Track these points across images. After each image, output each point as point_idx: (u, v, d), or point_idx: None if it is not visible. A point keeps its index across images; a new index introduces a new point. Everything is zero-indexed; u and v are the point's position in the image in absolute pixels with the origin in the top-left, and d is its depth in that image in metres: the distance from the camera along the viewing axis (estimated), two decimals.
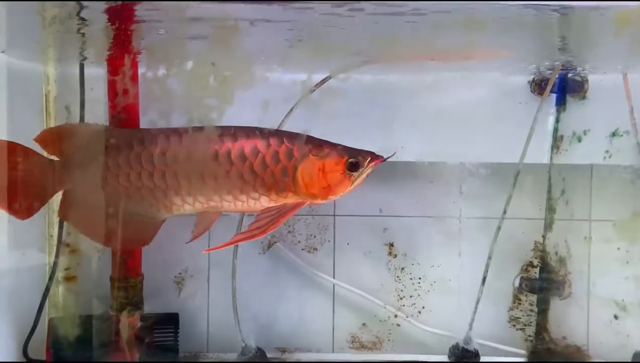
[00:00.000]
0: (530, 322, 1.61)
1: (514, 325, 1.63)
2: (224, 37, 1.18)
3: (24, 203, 1.26)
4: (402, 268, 1.65)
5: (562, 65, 1.48)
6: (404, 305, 1.65)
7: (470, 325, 1.57)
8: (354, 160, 1.27)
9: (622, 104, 1.49)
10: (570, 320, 1.60)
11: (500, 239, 1.56)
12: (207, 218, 1.31)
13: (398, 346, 1.65)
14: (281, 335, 1.67)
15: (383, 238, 1.65)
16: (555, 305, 1.60)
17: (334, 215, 1.67)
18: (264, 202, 1.29)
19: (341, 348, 1.66)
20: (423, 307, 1.65)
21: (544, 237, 1.58)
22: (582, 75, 1.54)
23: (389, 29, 1.16)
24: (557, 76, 1.53)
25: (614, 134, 1.54)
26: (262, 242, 1.66)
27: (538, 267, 1.60)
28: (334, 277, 1.66)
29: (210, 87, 1.25)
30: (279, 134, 1.31)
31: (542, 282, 1.59)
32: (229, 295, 1.57)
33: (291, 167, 1.27)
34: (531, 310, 1.62)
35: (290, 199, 1.28)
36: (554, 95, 1.56)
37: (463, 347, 1.57)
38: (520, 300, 1.63)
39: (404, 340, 1.65)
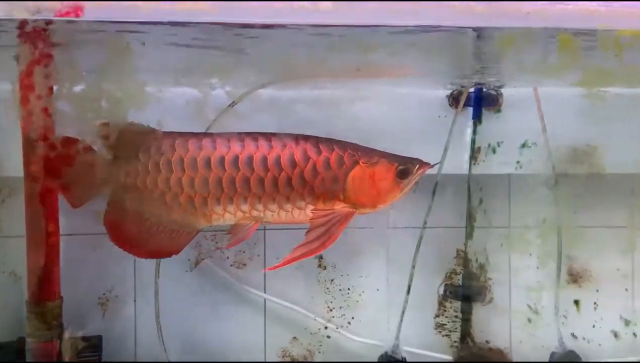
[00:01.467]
0: (456, 328, 1.63)
1: (440, 332, 1.64)
2: (116, 58, 1.11)
3: (76, 193, 1.21)
4: (332, 280, 1.63)
5: (476, 82, 1.53)
6: (334, 317, 1.63)
7: (397, 333, 1.56)
8: (404, 167, 1.22)
9: (533, 116, 1.54)
10: (493, 324, 1.63)
11: (425, 248, 1.57)
12: (244, 228, 1.22)
13: (329, 357, 1.63)
14: (211, 352, 1.61)
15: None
16: (478, 311, 1.62)
17: (264, 229, 1.63)
18: (309, 213, 1.22)
19: None
20: (352, 318, 1.63)
21: (465, 244, 1.60)
22: (497, 89, 1.59)
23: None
24: (472, 90, 1.57)
25: (523, 145, 1.58)
26: (189, 260, 1.60)
27: (461, 275, 1.62)
28: (264, 292, 1.62)
29: (101, 109, 1.18)
30: (327, 140, 1.24)
31: (464, 289, 1.61)
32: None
33: (342, 174, 1.21)
34: (456, 317, 1.63)
35: (337, 208, 1.22)
36: (471, 109, 1.59)
37: (391, 356, 1.56)
38: (445, 307, 1.64)
39: (334, 351, 1.63)
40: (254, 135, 1.22)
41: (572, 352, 1.55)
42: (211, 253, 1.60)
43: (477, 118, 1.58)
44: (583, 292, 1.62)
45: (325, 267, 1.63)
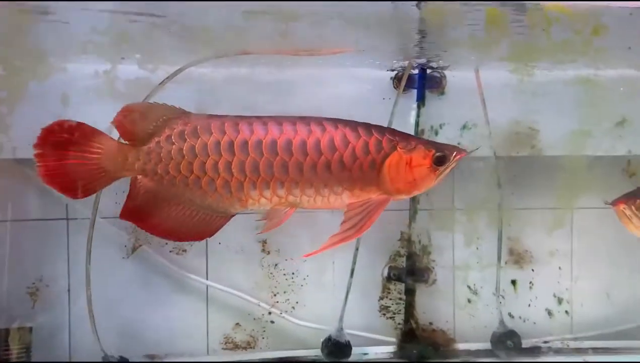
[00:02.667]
0: (400, 310, 1.61)
1: (384, 314, 1.62)
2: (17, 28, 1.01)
3: (80, 183, 1.12)
4: (276, 265, 1.58)
5: (418, 63, 1.49)
6: (278, 302, 1.58)
7: (341, 316, 1.53)
8: (442, 154, 1.18)
9: (476, 98, 1.52)
10: (436, 306, 1.61)
11: (370, 231, 1.50)
12: (280, 213, 1.17)
13: (273, 343, 1.58)
14: (151, 341, 1.54)
15: (256, 236, 1.56)
16: (422, 293, 1.60)
17: None
18: (345, 199, 1.17)
19: (214, 351, 1.56)
20: (297, 302, 1.59)
21: (409, 226, 1.58)
22: (440, 72, 1.56)
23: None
24: (416, 73, 1.54)
25: (464, 127, 1.56)
26: (125, 246, 1.51)
27: (405, 257, 1.60)
28: (206, 278, 1.55)
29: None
30: (366, 125, 1.19)
31: (408, 270, 1.58)
32: (93, 303, 1.41)
33: (380, 159, 1.16)
34: (400, 299, 1.61)
35: (373, 195, 1.17)
36: (416, 91, 1.55)
37: (335, 339, 1.52)
38: (389, 289, 1.61)
39: (278, 336, 1.58)
40: (292, 119, 1.17)
41: (512, 332, 1.55)
42: (149, 239, 1.51)
43: (420, 100, 1.55)
44: (520, 272, 1.63)
45: (269, 251, 1.58)
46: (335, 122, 1.18)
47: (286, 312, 1.57)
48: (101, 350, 1.41)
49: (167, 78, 1.30)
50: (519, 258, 1.62)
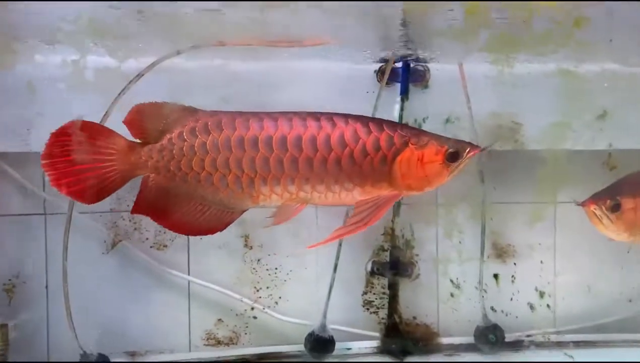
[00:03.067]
0: (383, 305, 1.59)
1: (368, 309, 1.60)
2: None
3: (93, 188, 1.10)
4: (259, 260, 1.56)
5: (401, 56, 1.47)
6: (260, 297, 1.56)
7: (325, 311, 1.51)
8: (454, 150, 1.15)
9: (458, 92, 1.50)
10: (420, 300, 1.60)
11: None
12: (290, 208, 1.15)
13: (256, 339, 1.56)
14: (131, 338, 1.51)
15: (238, 231, 1.54)
16: (405, 287, 1.59)
17: None
18: (357, 195, 1.15)
19: (196, 347, 1.53)
20: (280, 298, 1.57)
21: (392, 221, 1.56)
22: (424, 65, 1.54)
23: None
24: (400, 66, 1.52)
25: (447, 121, 1.55)
26: (105, 241, 1.48)
27: (388, 251, 1.58)
28: (188, 274, 1.52)
29: None
30: (377, 120, 1.17)
31: (391, 265, 1.57)
32: (72, 300, 1.37)
33: (391, 155, 1.14)
34: (383, 293, 1.59)
35: (384, 191, 1.15)
36: (399, 85, 1.53)
37: (318, 335, 1.50)
38: (373, 284, 1.60)
39: (261, 332, 1.56)
40: (302, 115, 1.15)
41: (495, 326, 1.54)
42: (129, 234, 1.48)
43: (404, 94, 1.53)
44: (502, 266, 1.62)
45: (251, 246, 1.55)
46: (346, 117, 1.17)
47: (269, 307, 1.55)
48: (79, 347, 1.38)
49: (146, 69, 1.27)
50: (501, 252, 1.61)
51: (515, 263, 1.62)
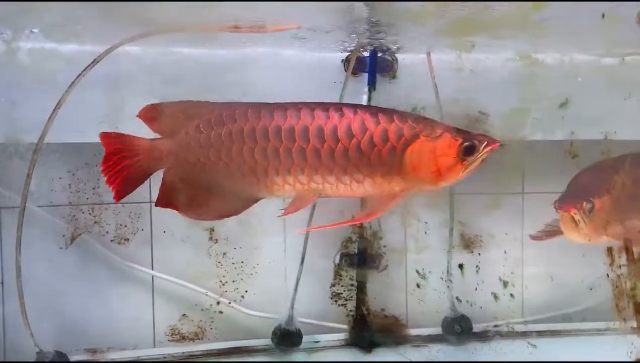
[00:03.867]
0: (351, 297, 1.57)
1: (336, 301, 1.57)
2: None
3: (124, 185, 1.11)
4: (224, 253, 1.51)
5: (367, 44, 1.44)
6: (226, 291, 1.51)
7: (292, 304, 1.48)
8: (469, 143, 1.08)
9: (426, 82, 1.47)
10: (388, 291, 1.58)
11: (322, 217, 1.46)
12: (303, 197, 1.11)
13: (222, 333, 1.51)
14: (92, 335, 1.45)
15: (203, 223, 1.49)
16: (374, 279, 1.57)
17: (150, 202, 1.47)
18: (368, 187, 1.09)
19: (161, 343, 1.48)
20: (246, 291, 1.53)
21: (360, 212, 1.53)
22: (392, 55, 1.51)
23: None
24: (368, 56, 1.49)
25: (413, 110, 1.52)
26: (63, 236, 1.41)
27: (357, 242, 1.55)
28: (152, 268, 1.47)
29: None
30: (388, 111, 1.12)
31: (360, 256, 1.54)
32: (29, 297, 1.30)
33: (400, 147, 1.07)
34: (352, 285, 1.57)
35: (396, 184, 1.09)
36: (367, 75, 1.50)
37: (285, 328, 1.47)
38: (341, 276, 1.57)
39: (227, 327, 1.52)
40: (312, 105, 1.12)
41: (463, 316, 1.53)
42: (89, 228, 1.41)
43: (371, 84, 1.51)
44: (468, 256, 1.60)
45: (217, 240, 1.51)
46: (355, 107, 1.12)
47: (235, 301, 1.51)
48: (35, 345, 1.31)
49: (99, 56, 1.21)
50: (468, 242, 1.60)
51: (479, 253, 1.61)
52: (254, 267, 1.52)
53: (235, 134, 1.10)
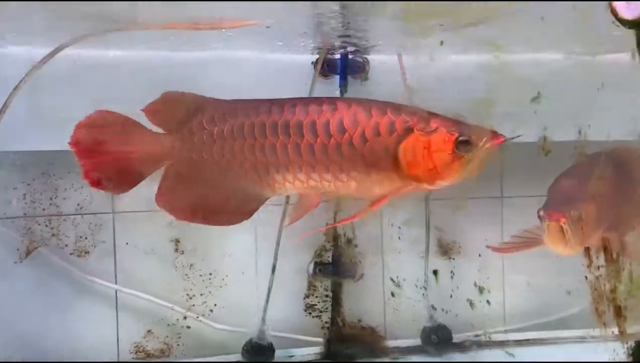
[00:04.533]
0: (326, 308, 1.49)
1: (310, 313, 1.50)
2: None
3: (121, 177, 1.05)
4: (191, 265, 1.43)
5: (341, 48, 1.39)
6: (194, 305, 1.43)
7: (263, 317, 1.40)
8: (466, 138, 0.99)
9: (399, 83, 1.41)
10: (365, 301, 1.50)
11: (294, 224, 1.38)
12: (305, 201, 1.07)
13: (189, 350, 1.43)
14: (52, 354, 1.35)
15: (168, 234, 1.41)
16: (349, 288, 1.50)
17: (113, 212, 1.39)
18: (367, 185, 1.03)
19: (124, 361, 1.39)
20: (215, 304, 1.44)
21: (334, 218, 1.45)
22: (363, 57, 1.46)
23: None
24: (339, 58, 1.43)
25: None
26: (17, 249, 1.32)
27: (331, 251, 1.48)
28: (115, 282, 1.38)
29: None
30: (383, 104, 1.05)
31: (334, 265, 1.47)
32: None
33: (392, 142, 1.00)
34: (327, 296, 1.50)
35: (394, 183, 1.02)
36: (338, 77, 1.45)
37: (256, 342, 1.39)
38: (315, 286, 1.50)
39: (195, 342, 1.43)
40: (306, 100, 1.08)
41: (442, 326, 1.47)
42: (46, 241, 1.32)
43: (343, 86, 1.45)
44: (445, 262, 1.54)
45: (183, 251, 1.43)
46: (350, 101, 1.06)
47: (203, 315, 1.43)
48: None
49: (44, 58, 1.14)
50: (447, 249, 1.54)
51: (453, 258, 1.55)
52: (223, 279, 1.44)
53: (236, 131, 1.05)
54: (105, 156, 1.03)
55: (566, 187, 1.25)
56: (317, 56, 1.42)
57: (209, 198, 1.08)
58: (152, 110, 1.06)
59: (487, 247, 1.36)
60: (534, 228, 1.26)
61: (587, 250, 1.25)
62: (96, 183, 1.03)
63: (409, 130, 1.01)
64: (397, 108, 1.05)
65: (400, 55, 1.41)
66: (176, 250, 1.42)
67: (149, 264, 1.40)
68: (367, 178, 1.04)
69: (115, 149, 1.04)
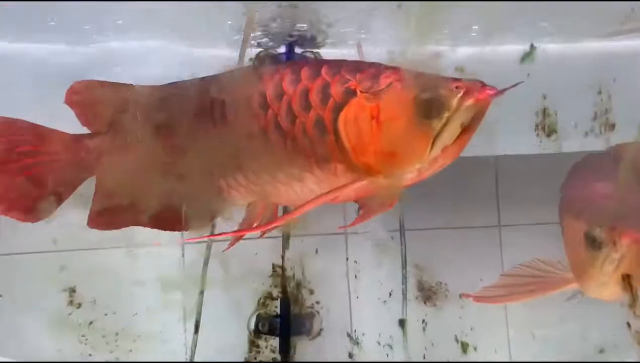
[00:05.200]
0: None
1: None
2: None
3: (36, 201, 0.81)
4: (91, 323, 1.12)
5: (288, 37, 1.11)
6: None
7: None
8: (431, 94, 0.64)
9: None
10: None
11: (233, 265, 1.12)
12: (251, 213, 0.80)
13: None
14: None
15: (60, 282, 1.10)
16: (304, 348, 1.16)
17: None
18: (312, 185, 0.73)
19: None
20: None
21: (282, 257, 1.14)
22: (314, 51, 1.17)
23: None
24: (283, 52, 1.15)
25: None
26: None
27: (279, 299, 1.15)
28: None
29: None
30: (319, 62, 0.84)
31: (283, 319, 1.14)
32: None
33: (329, 115, 0.69)
34: (274, 359, 1.16)
35: (341, 177, 0.70)
36: None
37: None
38: (258, 346, 1.17)
39: None
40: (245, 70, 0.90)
41: None
42: None
43: None
44: (432, 309, 1.21)
45: (79, 303, 1.11)
46: (278, 66, 0.78)
47: None
48: None
49: None
50: (431, 293, 1.21)
51: (436, 304, 1.21)
52: (134, 341, 1.12)
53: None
54: (8, 174, 0.80)
55: (618, 196, 0.87)
56: (259, 50, 1.15)
57: (150, 207, 0.84)
58: (75, 100, 0.82)
59: (466, 296, 1.00)
60: (551, 261, 0.91)
61: (625, 278, 0.83)
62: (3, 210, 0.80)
63: (349, 94, 0.67)
64: (335, 64, 0.72)
65: (359, 45, 1.11)
66: (71, 302, 1.11)
67: (33, 322, 1.08)
68: (309, 174, 0.72)
69: (22, 164, 0.81)
